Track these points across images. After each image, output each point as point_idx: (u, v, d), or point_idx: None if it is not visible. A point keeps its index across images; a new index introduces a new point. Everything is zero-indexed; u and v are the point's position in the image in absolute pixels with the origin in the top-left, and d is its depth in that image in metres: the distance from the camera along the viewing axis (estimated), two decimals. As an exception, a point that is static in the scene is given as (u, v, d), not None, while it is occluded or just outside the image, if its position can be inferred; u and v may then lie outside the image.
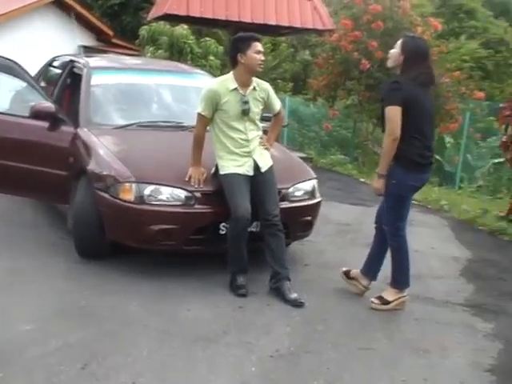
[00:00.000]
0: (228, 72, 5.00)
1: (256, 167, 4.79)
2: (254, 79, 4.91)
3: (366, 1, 12.12)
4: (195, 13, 11.14)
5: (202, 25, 14.57)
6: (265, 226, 4.74)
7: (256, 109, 4.86)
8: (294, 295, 4.58)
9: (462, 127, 11.82)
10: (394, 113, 4.34)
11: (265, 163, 4.86)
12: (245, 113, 4.77)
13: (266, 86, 5.02)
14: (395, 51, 4.54)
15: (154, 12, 12.94)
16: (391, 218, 4.61)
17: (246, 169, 4.75)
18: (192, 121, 5.72)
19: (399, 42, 4.54)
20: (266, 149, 4.98)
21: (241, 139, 4.78)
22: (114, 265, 5.01)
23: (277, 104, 5.14)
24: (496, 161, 12.84)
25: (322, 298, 4.74)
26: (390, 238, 4.65)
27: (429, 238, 6.77)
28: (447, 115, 11.20)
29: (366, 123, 13.73)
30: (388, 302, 4.62)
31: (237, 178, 4.71)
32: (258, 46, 4.74)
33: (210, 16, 11.18)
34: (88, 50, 16.44)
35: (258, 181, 4.77)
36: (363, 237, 6.55)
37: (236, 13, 11.18)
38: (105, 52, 17.10)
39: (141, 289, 4.61)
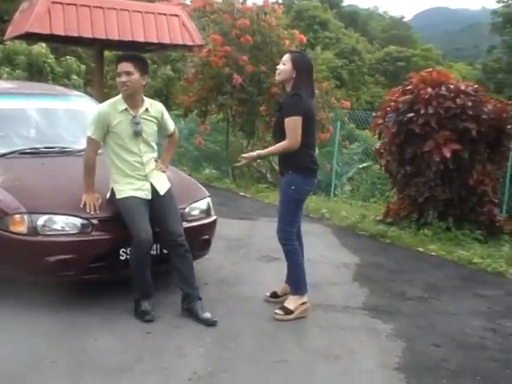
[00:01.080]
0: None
1: (154, 191, 4.73)
2: (147, 100, 4.85)
3: (233, 16, 12.29)
4: (59, 31, 10.71)
5: (65, 43, 14.08)
6: (170, 247, 4.68)
7: (149, 130, 4.80)
8: (206, 314, 4.57)
9: (332, 136, 12.26)
10: (296, 124, 4.57)
11: (163, 186, 4.81)
12: (137, 134, 4.70)
13: (160, 106, 4.97)
14: (286, 67, 4.72)
15: (12, 30, 12.28)
16: (286, 223, 4.81)
17: (144, 192, 4.69)
18: (75, 145, 5.64)
19: (288, 58, 4.75)
20: (163, 171, 4.93)
21: (136, 162, 4.70)
22: (3, 301, 4.72)
23: (171, 125, 5.11)
24: (361, 166, 13.50)
25: (228, 316, 4.74)
26: (284, 242, 4.83)
27: (317, 246, 6.96)
28: (319, 125, 11.56)
29: (240, 137, 13.90)
30: (291, 312, 4.74)
31: (135, 201, 4.63)
32: (119, 66, 4.64)
33: (75, 34, 10.79)
34: None
35: (158, 203, 4.71)
36: (255, 250, 6.70)
37: (103, 30, 10.90)
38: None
39: (41, 323, 4.39)
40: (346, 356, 4.11)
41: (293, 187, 4.70)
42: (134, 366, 3.83)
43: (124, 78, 4.62)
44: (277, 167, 14.19)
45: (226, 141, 14.05)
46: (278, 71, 4.81)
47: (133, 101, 4.72)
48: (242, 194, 11.54)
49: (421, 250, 7.27)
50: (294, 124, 4.59)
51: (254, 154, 5.11)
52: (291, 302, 4.79)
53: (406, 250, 7.32)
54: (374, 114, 9.36)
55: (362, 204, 11.11)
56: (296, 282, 4.85)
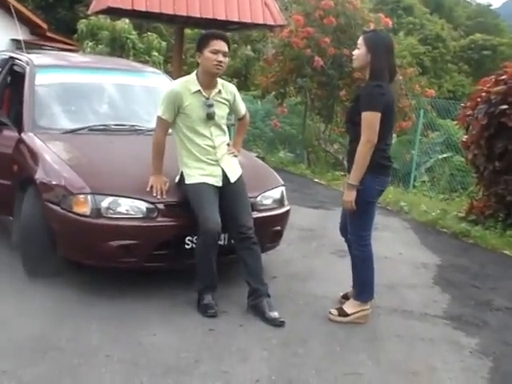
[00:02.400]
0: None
1: (225, 177, 4.42)
2: (220, 81, 4.54)
3: (317, -4, 11.85)
4: (141, 7, 10.61)
5: (146, 19, 13.99)
6: (238, 239, 4.37)
7: (222, 112, 4.50)
8: (274, 313, 4.23)
9: (413, 125, 11.69)
10: (374, 120, 4.04)
11: (234, 173, 4.50)
12: (209, 117, 4.40)
13: (233, 88, 4.65)
14: (360, 51, 4.20)
15: (96, 5, 12.29)
16: (357, 227, 4.34)
17: (215, 179, 4.38)
18: (147, 123, 5.40)
19: (361, 41, 4.21)
20: (235, 156, 4.62)
21: (207, 146, 4.40)
22: (67, 284, 4.51)
23: (242, 107, 4.80)
24: (441, 156, 12.88)
25: (296, 316, 4.40)
26: (355, 247, 4.39)
27: (394, 243, 6.54)
28: (400, 113, 11.02)
29: (317, 121, 13.48)
30: (347, 315, 4.35)
31: (205, 188, 4.33)
32: (217, 44, 4.32)
33: (156, 10, 10.65)
34: (21, 45, 15.64)
35: (228, 191, 4.41)
36: (329, 244, 6.30)
37: (184, 7, 10.71)
38: (40, 47, 16.34)
39: (100, 311, 4.16)
40: (425, 373, 3.70)
41: (360, 187, 4.15)
42: (192, 367, 3.53)
43: (222, 58, 4.34)
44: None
45: (303, 124, 13.64)
46: (354, 57, 4.31)
47: (209, 82, 4.42)
48: (316, 180, 11.13)
49: (507, 253, 6.72)
50: (369, 120, 4.04)
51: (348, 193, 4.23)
52: (351, 307, 4.39)
53: (490, 252, 6.78)
54: (462, 105, 8.77)
55: (442, 198, 10.55)
56: (361, 287, 4.43)
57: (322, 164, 12.66)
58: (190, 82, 4.43)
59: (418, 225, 7.85)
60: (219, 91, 4.48)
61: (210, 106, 4.39)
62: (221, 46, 4.35)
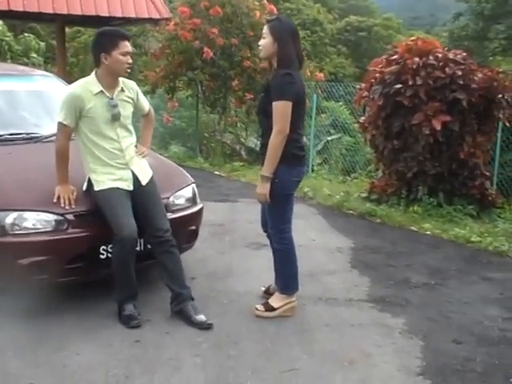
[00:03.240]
0: (50, 70, 4.35)
1: (135, 180, 4.23)
2: (120, 79, 4.32)
3: (202, -13, 11.67)
4: (18, 7, 10.09)
5: (24, 19, 13.34)
6: (156, 243, 4.19)
7: (127, 112, 4.29)
8: (200, 317, 4.10)
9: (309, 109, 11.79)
10: (286, 109, 3.95)
11: (145, 175, 4.31)
12: (115, 118, 4.18)
13: (133, 84, 4.44)
14: (266, 41, 4.08)
15: (-34, 8, 11.60)
16: (276, 220, 4.26)
17: (126, 183, 4.18)
18: (44, 130, 5.11)
19: (266, 30, 4.09)
20: (143, 156, 4.43)
21: (114, 149, 4.19)
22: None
23: (146, 103, 4.62)
24: (330, 138, 13.10)
25: (223, 316, 4.29)
26: (276, 240, 4.31)
27: (306, 230, 6.54)
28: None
29: (211, 113, 13.34)
30: (274, 309, 4.29)
31: (116, 194, 4.12)
32: (127, 46, 4.12)
33: (35, 10, 10.16)
34: None
35: (140, 194, 4.21)
36: (241, 237, 6.27)
37: (64, 5, 10.28)
38: None
39: (13, 335, 3.87)
40: (361, 361, 3.68)
41: (277, 180, 4.04)
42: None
43: (130, 60, 4.14)
44: (248, 143, 13.83)
45: (196, 117, 13.46)
46: (260, 47, 4.18)
47: (111, 81, 4.20)
48: (216, 172, 11.02)
49: (414, 229, 6.91)
50: (283, 109, 3.94)
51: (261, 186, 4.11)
52: (277, 300, 4.33)
53: (398, 229, 6.95)
54: (357, 86, 8.91)
55: (342, 180, 10.72)
56: (285, 280, 4.35)
57: (218, 156, 12.55)
58: (91, 82, 4.19)
59: (325, 209, 7.92)
60: (122, 89, 4.27)
61: (115, 106, 4.18)
62: (129, 47, 4.15)
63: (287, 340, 3.95)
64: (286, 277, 4.35)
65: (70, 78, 4.32)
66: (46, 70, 15.75)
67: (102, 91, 4.16)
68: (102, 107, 4.15)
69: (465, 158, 7.49)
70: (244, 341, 3.93)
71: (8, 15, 11.35)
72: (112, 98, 4.18)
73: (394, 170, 7.88)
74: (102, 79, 4.18)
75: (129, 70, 4.18)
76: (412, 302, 4.66)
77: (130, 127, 4.35)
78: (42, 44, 18.60)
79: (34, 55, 17.64)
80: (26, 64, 16.06)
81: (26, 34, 18.27)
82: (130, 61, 4.14)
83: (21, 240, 4.01)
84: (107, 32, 4.22)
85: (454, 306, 4.60)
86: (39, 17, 11.15)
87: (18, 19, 13.20)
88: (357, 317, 4.35)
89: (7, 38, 17.03)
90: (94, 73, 4.23)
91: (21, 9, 10.06)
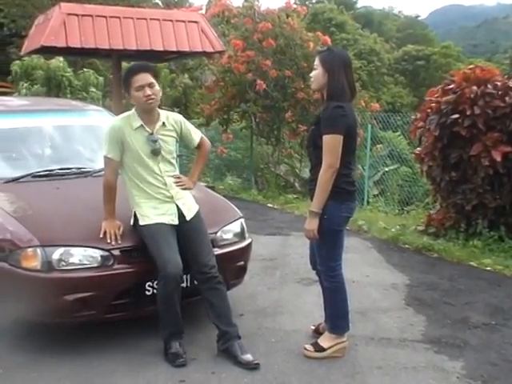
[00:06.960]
0: (109, 103, 4.35)
1: (181, 214, 4.17)
2: (164, 113, 4.29)
3: (254, 19, 11.75)
4: (75, 43, 10.28)
5: (82, 55, 13.66)
6: (202, 280, 4.11)
7: (169, 147, 4.24)
8: (247, 356, 3.98)
9: (362, 140, 11.62)
10: (336, 142, 3.83)
11: (190, 210, 4.25)
12: (155, 153, 4.15)
13: (178, 117, 4.40)
14: (317, 72, 4.00)
15: (28, 45, 11.93)
16: (326, 258, 4.10)
17: (170, 217, 4.13)
18: (93, 164, 5.14)
19: (318, 60, 4.01)
20: (186, 188, 4.33)
21: (158, 182, 4.15)
22: (16, 342, 4.16)
23: (196, 135, 4.50)
24: (387, 169, 12.88)
25: (270, 355, 4.15)
26: (325, 279, 4.16)
27: (360, 265, 6.37)
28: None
29: (265, 145, 13.33)
30: (323, 349, 4.12)
31: (161, 229, 4.06)
32: (139, 79, 4.05)
33: (92, 46, 10.35)
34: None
35: (186, 229, 4.15)
36: (292, 272, 6.12)
37: (120, 40, 10.44)
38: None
39: (56, 372, 3.82)
40: (414, 406, 3.50)
41: (325, 216, 3.91)
42: (167, 426, 3.26)
43: (149, 91, 4.06)
44: (302, 174, 13.72)
45: (250, 148, 13.47)
46: (311, 78, 4.11)
47: (150, 115, 4.18)
48: (270, 205, 10.94)
49: (474, 264, 6.62)
50: (333, 143, 3.82)
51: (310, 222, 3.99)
52: (326, 340, 4.16)
53: (457, 265, 6.66)
54: (413, 117, 8.72)
55: (398, 212, 10.49)
56: (335, 319, 4.18)
57: (272, 188, 12.50)
58: (132, 117, 4.18)
59: (380, 243, 7.71)
60: (163, 124, 4.23)
61: (155, 141, 4.15)
62: (143, 79, 4.07)
63: (337, 383, 3.78)
64: (337, 316, 4.18)
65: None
66: (104, 103, 16.14)
67: (142, 125, 4.14)
68: (143, 142, 4.13)
69: (527, 190, 7.20)
70: (292, 382, 3.78)
71: (67, 52, 11.64)
72: (152, 133, 4.15)
73: (452, 203, 7.63)
74: (139, 115, 4.17)
75: (151, 101, 4.08)
76: (471, 344, 4.41)
77: (173, 161, 4.30)
78: (101, 78, 18.98)
79: (93, 89, 18.01)
80: (85, 98, 16.49)
81: (85, 70, 18.71)
82: (148, 92, 4.05)
83: (67, 276, 3.99)
84: (125, 71, 4.26)
85: (517, 349, 4.34)
86: (96, 52, 11.37)
87: (76, 55, 13.48)
88: (411, 359, 4.13)
89: (67, 74, 17.48)
90: (134, 108, 4.22)
91: (78, 45, 10.27)
